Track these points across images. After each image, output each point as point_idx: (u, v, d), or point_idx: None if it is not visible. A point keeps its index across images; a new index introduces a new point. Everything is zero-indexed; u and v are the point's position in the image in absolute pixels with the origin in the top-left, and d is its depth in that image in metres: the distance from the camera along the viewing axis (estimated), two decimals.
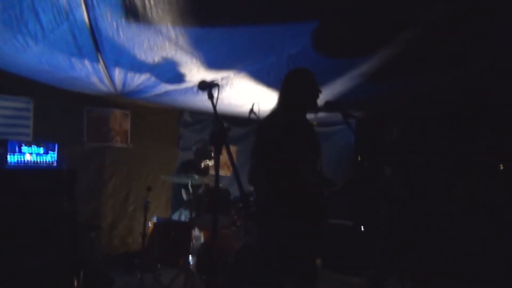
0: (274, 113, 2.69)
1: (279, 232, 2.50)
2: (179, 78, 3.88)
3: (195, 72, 3.70)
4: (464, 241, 4.80)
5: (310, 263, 2.68)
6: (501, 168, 4.96)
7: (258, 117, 4.10)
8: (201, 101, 4.56)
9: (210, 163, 4.87)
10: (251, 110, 4.09)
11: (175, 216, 4.78)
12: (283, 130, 2.54)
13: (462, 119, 5.01)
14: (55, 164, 3.87)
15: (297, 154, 2.56)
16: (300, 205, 2.51)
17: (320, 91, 2.72)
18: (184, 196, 4.76)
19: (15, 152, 3.61)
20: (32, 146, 3.74)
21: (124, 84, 3.99)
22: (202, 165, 4.81)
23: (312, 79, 2.71)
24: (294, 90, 2.67)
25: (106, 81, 3.88)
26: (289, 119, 2.61)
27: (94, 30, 2.86)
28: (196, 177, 4.22)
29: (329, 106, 2.89)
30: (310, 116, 2.82)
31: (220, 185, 4.35)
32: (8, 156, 3.55)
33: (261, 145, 2.57)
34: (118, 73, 3.69)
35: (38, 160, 3.76)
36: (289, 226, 2.49)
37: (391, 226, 3.72)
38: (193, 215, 4.19)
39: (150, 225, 4.28)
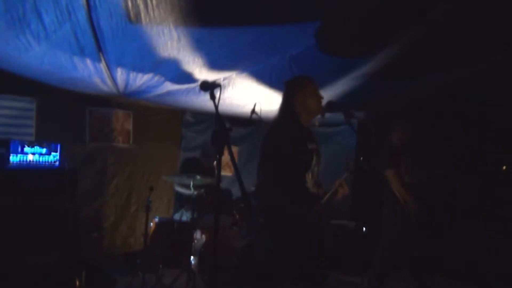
0: (279, 124, 2.65)
1: (287, 240, 2.48)
2: (181, 78, 3.88)
3: (197, 73, 3.70)
4: (466, 241, 4.79)
5: (315, 268, 2.66)
6: (504, 168, 4.95)
7: (259, 117, 4.11)
8: (203, 101, 4.57)
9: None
10: (253, 110, 4.10)
11: (176, 216, 4.79)
12: (290, 141, 2.53)
13: (465, 119, 5.00)
14: (57, 164, 3.87)
15: (304, 164, 2.57)
16: (307, 214, 2.52)
17: (322, 97, 2.71)
18: (181, 190, 4.74)
19: (18, 152, 3.61)
20: (35, 146, 3.75)
21: (126, 85, 4.00)
22: (214, 163, 4.80)
23: (314, 85, 2.69)
24: (297, 100, 2.64)
25: (108, 81, 3.89)
26: (295, 130, 2.60)
27: (96, 31, 2.86)
28: (198, 177, 4.22)
29: (331, 106, 2.89)
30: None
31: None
32: (11, 156, 3.55)
33: (269, 156, 2.54)
34: (120, 74, 3.70)
35: (41, 160, 3.77)
36: (297, 234, 2.49)
37: (393, 226, 3.71)
38: (195, 215, 4.20)
39: (152, 225, 4.29)
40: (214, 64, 3.56)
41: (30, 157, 3.69)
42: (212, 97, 2.34)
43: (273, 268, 2.54)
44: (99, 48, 3.14)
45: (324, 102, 2.74)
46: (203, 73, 3.68)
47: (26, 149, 3.67)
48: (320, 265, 2.65)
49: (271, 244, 2.57)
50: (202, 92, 2.40)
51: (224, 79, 4.01)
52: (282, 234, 2.52)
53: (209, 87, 2.38)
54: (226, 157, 2.45)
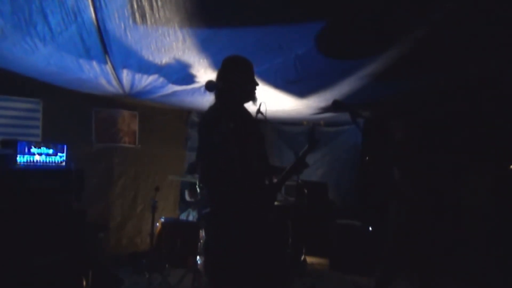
0: (212, 108, 2.57)
1: (237, 231, 2.40)
2: (187, 79, 3.89)
3: (203, 73, 3.70)
4: (473, 241, 4.77)
5: (270, 260, 2.57)
6: (511, 168, 4.92)
7: (265, 117, 4.09)
8: (209, 101, 4.55)
9: None
10: (258, 110, 4.08)
11: (183, 216, 4.80)
12: (224, 125, 2.37)
13: (471, 118, 4.97)
14: (64, 164, 3.90)
15: (244, 145, 2.48)
16: (254, 198, 2.46)
17: (257, 84, 2.64)
18: (187, 197, 4.77)
19: (25, 153, 3.64)
20: (41, 147, 3.77)
21: (132, 85, 4.02)
22: None
23: (251, 69, 2.62)
24: (232, 81, 2.57)
25: (114, 82, 3.91)
26: (228, 112, 2.44)
27: (102, 32, 2.87)
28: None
29: (337, 105, 2.88)
30: (315, 116, 2.82)
31: None
32: (18, 156, 3.58)
33: (207, 143, 2.46)
34: (126, 75, 3.72)
35: (47, 160, 3.80)
36: (246, 223, 2.42)
37: (399, 226, 3.70)
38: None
39: (158, 225, 4.30)
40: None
41: (37, 158, 3.71)
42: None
43: (220, 257, 2.47)
44: (105, 50, 3.15)
45: (330, 101, 2.73)
46: (208, 74, 3.69)
47: (33, 149, 3.70)
48: (267, 253, 2.55)
49: (216, 233, 2.49)
50: (208, 92, 2.41)
51: None
52: (225, 222, 2.43)
53: (214, 87, 2.39)
54: None
